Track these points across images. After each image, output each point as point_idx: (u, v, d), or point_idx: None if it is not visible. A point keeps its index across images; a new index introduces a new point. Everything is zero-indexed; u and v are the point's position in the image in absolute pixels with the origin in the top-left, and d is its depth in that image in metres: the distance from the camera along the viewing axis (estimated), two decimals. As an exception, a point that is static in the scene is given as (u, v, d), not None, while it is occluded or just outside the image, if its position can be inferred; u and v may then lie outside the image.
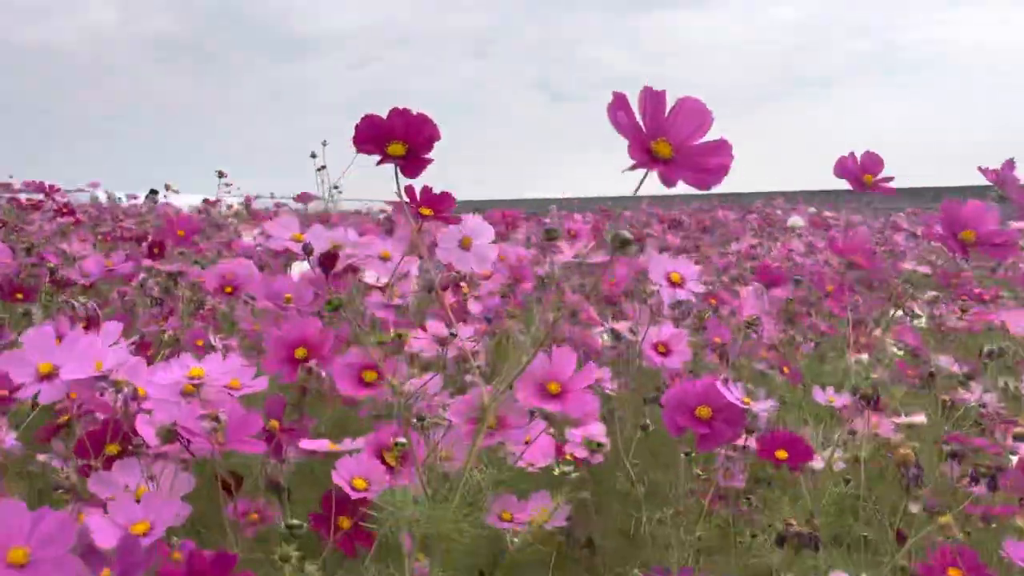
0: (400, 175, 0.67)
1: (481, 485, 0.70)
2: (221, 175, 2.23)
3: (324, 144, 2.03)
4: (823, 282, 1.65)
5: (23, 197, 3.63)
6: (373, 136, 0.65)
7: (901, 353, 1.78)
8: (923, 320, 2.27)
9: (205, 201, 3.25)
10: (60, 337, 0.87)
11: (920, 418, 1.23)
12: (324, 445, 0.91)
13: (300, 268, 1.39)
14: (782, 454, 1.02)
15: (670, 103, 0.60)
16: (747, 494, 1.21)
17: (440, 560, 0.88)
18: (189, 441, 0.78)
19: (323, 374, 0.89)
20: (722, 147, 0.59)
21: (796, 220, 4.46)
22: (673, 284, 1.05)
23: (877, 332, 1.88)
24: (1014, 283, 2.67)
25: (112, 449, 0.88)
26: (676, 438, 1.24)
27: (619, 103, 0.58)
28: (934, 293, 2.51)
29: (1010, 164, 0.88)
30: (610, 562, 1.25)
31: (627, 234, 0.59)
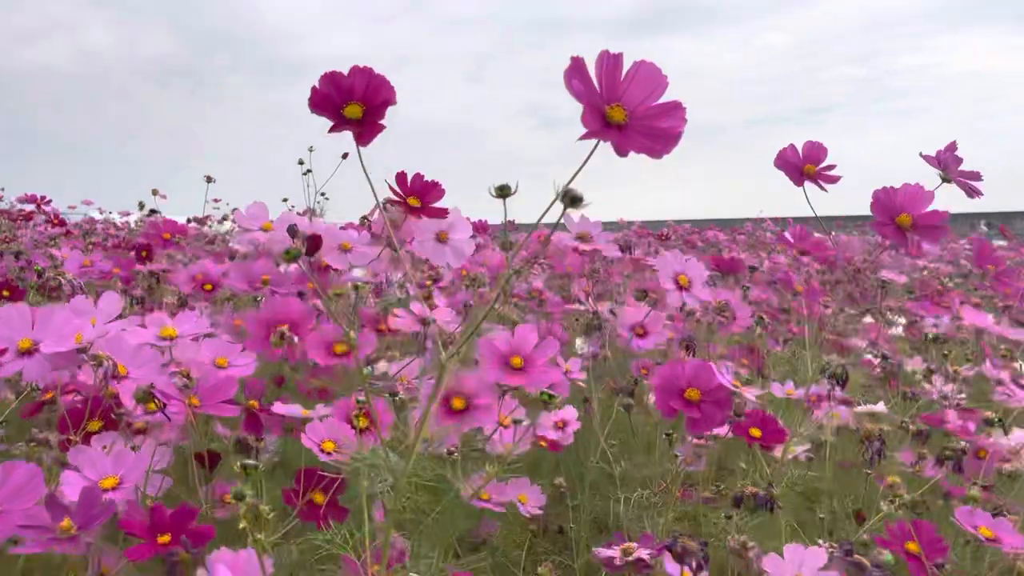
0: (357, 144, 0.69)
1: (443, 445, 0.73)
2: (209, 180, 2.27)
3: (311, 150, 2.07)
4: (791, 283, 1.69)
5: (15, 210, 3.67)
6: (331, 94, 0.66)
7: (876, 359, 1.83)
8: (900, 328, 2.32)
9: (196, 220, 3.29)
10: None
11: (880, 407, 1.27)
12: (297, 411, 0.94)
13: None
14: (756, 432, 1.04)
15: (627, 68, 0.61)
16: (716, 482, 1.24)
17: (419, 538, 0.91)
18: (165, 404, 0.80)
19: (297, 343, 0.92)
20: (675, 109, 0.59)
21: (787, 237, 4.53)
22: (681, 287, 1.06)
23: (852, 340, 1.92)
24: (994, 292, 2.73)
25: (94, 425, 0.91)
26: (652, 422, 1.27)
27: (576, 69, 0.58)
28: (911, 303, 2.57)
29: (952, 146, 0.90)
30: (582, 549, 1.28)
31: (577, 191, 0.60)
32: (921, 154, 0.90)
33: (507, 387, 0.90)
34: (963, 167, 0.90)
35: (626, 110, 0.60)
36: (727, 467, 1.36)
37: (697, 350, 1.31)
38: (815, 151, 0.95)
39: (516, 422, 0.92)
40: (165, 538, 0.68)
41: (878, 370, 1.62)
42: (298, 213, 1.90)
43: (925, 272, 3.42)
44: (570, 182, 0.61)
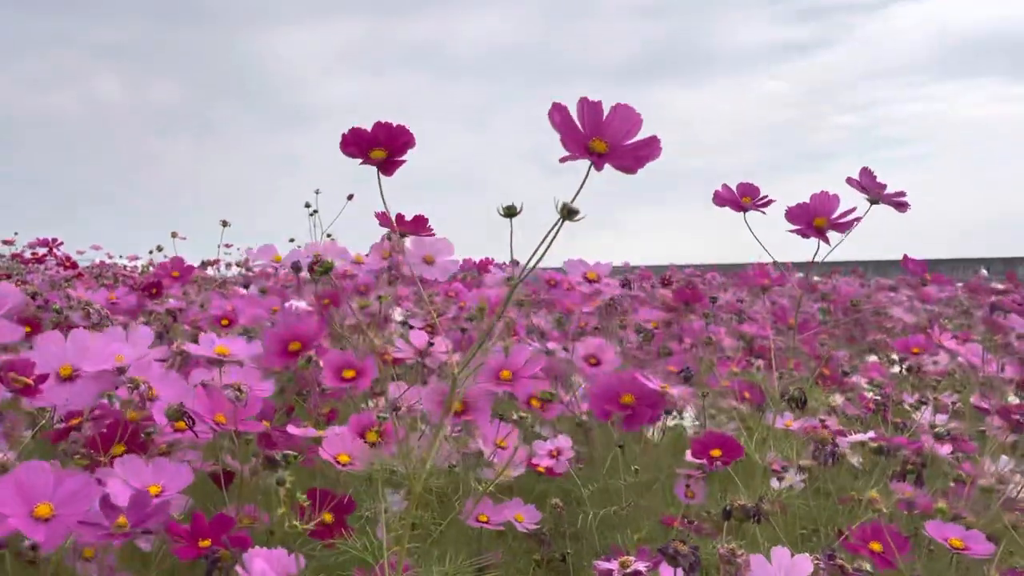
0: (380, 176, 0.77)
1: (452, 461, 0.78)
2: (225, 224, 2.34)
3: (317, 192, 2.14)
4: (785, 317, 1.73)
5: (26, 254, 3.74)
6: (358, 143, 0.75)
7: (873, 395, 1.87)
8: (899, 365, 2.36)
9: (204, 263, 3.36)
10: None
11: (870, 435, 1.31)
12: (311, 432, 1.00)
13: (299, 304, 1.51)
14: (716, 452, 1.11)
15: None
16: (707, 509, 1.28)
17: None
18: (194, 421, 0.86)
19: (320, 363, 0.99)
20: (652, 143, 0.66)
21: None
22: (590, 281, 1.18)
23: (852, 378, 1.97)
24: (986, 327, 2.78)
25: (119, 449, 0.96)
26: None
27: (557, 109, 0.66)
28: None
29: (867, 171, 1.00)
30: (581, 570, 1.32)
31: (574, 205, 0.66)
32: (847, 179, 1.00)
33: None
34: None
35: (607, 143, 0.66)
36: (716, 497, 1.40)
37: (693, 381, 1.36)
38: (748, 188, 1.06)
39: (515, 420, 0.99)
40: (205, 542, 0.74)
41: (872, 405, 1.66)
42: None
43: (924, 313, 3.47)
44: (573, 200, 0.67)
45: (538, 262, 0.70)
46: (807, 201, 1.00)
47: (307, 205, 2.16)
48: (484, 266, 2.05)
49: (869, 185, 0.98)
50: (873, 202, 0.99)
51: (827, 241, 1.00)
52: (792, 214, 1.01)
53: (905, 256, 1.20)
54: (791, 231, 1.01)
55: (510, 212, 0.70)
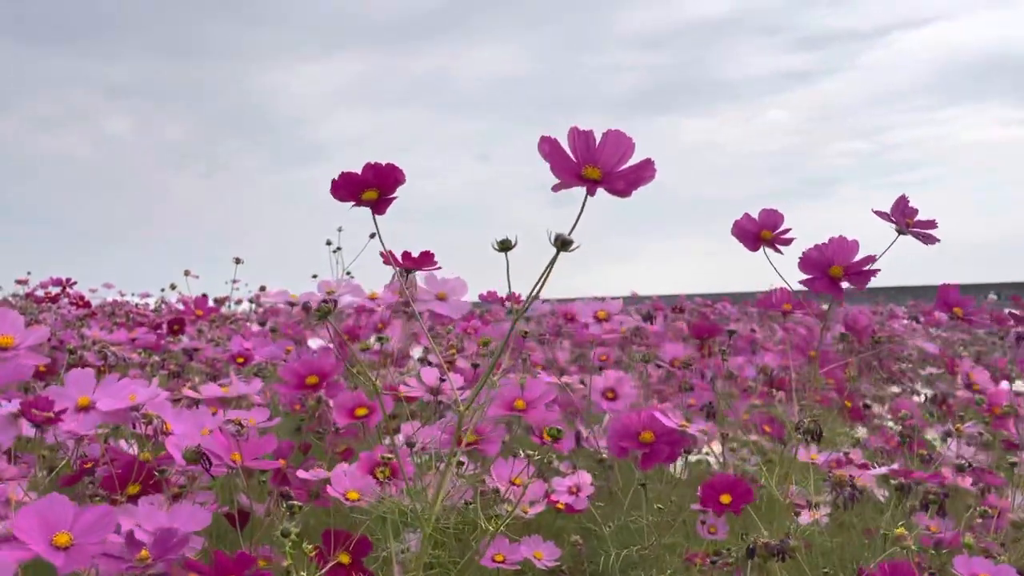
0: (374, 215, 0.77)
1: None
2: (238, 261, 2.35)
3: (339, 230, 2.14)
4: (807, 349, 1.72)
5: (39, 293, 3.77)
6: (349, 187, 0.75)
7: (896, 427, 1.85)
8: (923, 397, 2.33)
9: (216, 300, 3.37)
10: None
11: (894, 468, 1.28)
12: (320, 474, 1.00)
13: (316, 343, 1.52)
14: (726, 499, 1.07)
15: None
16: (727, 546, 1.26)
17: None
18: (211, 463, 0.86)
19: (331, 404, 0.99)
20: (646, 166, 0.67)
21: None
22: (600, 320, 1.18)
23: (877, 407, 1.95)
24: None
25: (134, 489, 0.97)
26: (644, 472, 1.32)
27: (546, 141, 0.67)
28: (933, 370, 2.58)
29: (902, 201, 0.94)
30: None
31: (567, 236, 0.66)
32: (873, 210, 0.95)
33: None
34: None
35: (601, 170, 0.67)
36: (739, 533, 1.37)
37: (716, 416, 1.35)
38: (769, 219, 0.97)
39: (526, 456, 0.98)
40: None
41: (896, 437, 1.63)
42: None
43: (939, 340, 3.45)
44: (570, 232, 0.67)
45: (537, 294, 0.71)
46: (825, 243, 0.93)
47: (328, 243, 2.16)
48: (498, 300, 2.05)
49: (897, 216, 0.93)
50: (900, 232, 0.93)
51: (839, 294, 0.93)
52: (807, 261, 0.93)
53: (943, 288, 1.11)
54: (802, 281, 0.94)
55: (505, 246, 0.70)
